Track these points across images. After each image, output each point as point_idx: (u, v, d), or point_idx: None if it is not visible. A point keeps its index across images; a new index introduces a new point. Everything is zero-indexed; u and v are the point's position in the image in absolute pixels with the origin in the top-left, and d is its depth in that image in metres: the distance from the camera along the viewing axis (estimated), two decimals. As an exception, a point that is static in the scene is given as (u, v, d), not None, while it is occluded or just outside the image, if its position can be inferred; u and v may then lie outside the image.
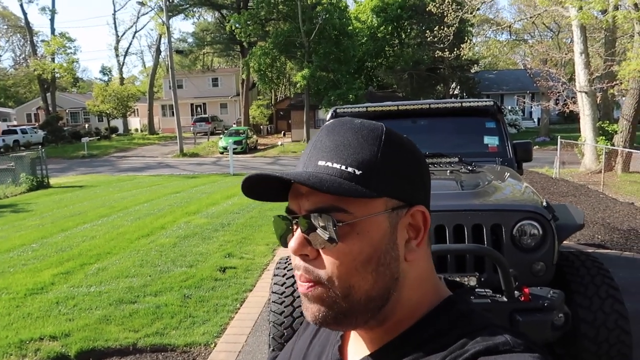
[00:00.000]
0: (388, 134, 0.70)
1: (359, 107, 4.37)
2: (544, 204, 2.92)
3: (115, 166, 24.28)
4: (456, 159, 3.90)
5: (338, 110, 4.37)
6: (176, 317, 4.72)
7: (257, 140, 32.49)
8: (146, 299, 5.19)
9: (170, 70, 28.66)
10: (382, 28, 34.01)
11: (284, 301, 3.05)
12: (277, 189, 0.71)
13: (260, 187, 0.70)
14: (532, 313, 2.50)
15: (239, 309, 5.00)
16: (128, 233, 8.28)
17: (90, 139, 34.80)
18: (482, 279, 2.62)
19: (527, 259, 2.78)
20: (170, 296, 5.24)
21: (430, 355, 0.64)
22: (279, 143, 30.29)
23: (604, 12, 12.84)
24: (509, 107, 33.37)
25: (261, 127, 40.59)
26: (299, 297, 3.05)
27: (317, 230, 0.65)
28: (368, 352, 0.71)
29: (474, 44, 28.80)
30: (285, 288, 3.12)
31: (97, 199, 13.32)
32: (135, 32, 45.70)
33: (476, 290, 2.65)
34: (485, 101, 4.22)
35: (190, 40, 43.42)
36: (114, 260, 6.64)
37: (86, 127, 42.90)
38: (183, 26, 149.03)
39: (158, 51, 44.23)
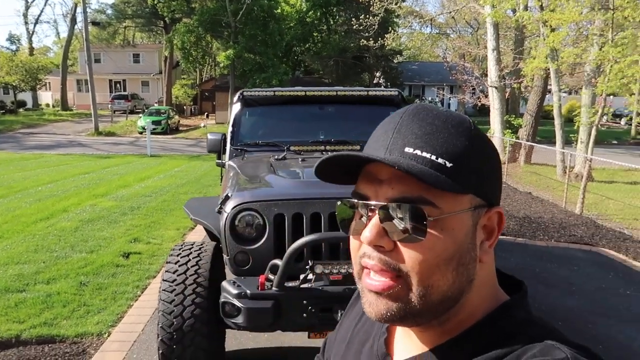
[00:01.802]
0: (475, 127, 0.65)
1: (266, 91, 4.30)
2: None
3: (21, 143, 22.40)
4: (358, 147, 3.96)
5: (245, 94, 4.28)
6: (69, 306, 4.45)
7: (179, 121, 31.36)
8: (37, 287, 4.85)
9: (85, 42, 26.77)
10: (310, 13, 33.87)
11: (174, 289, 2.94)
12: (343, 171, 0.67)
13: (331, 167, 0.66)
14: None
15: (139, 296, 4.81)
16: (25, 216, 7.68)
17: (-7, 112, 31.85)
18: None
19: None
20: (65, 284, 4.93)
21: None
22: (202, 125, 29.38)
23: (514, 11, 13.62)
24: (429, 99, 34.73)
25: (185, 107, 39.15)
26: (190, 285, 2.97)
27: (400, 221, 0.61)
28: (418, 351, 0.68)
29: (399, 35, 29.51)
30: (177, 276, 3.01)
31: (-6, 178, 12.23)
32: (47, -2, 41.97)
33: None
34: (390, 91, 4.31)
35: (109, 12, 40.76)
36: (4, 245, 6.14)
37: (-12, 99, 39.17)
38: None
39: (73, 21, 41.08)
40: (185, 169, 13.88)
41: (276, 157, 3.71)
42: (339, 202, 0.69)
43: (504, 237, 7.07)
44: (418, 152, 0.61)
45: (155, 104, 35.37)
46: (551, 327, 0.64)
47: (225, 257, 2.94)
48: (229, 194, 3.00)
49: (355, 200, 0.66)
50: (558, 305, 4.71)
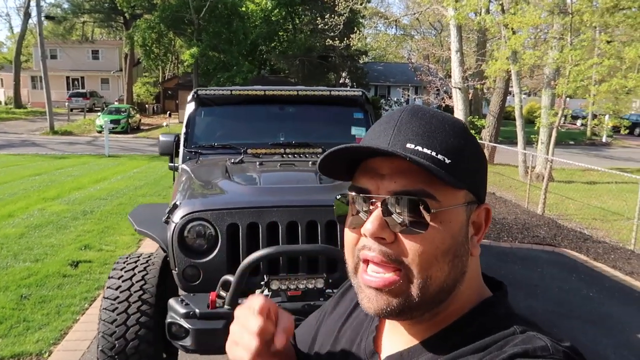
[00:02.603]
0: (467, 129, 0.70)
1: (223, 90, 4.05)
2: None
3: (-32, 143, 21.21)
4: (319, 150, 3.76)
5: (200, 92, 4.01)
6: (6, 323, 4.08)
7: (140, 120, 30.40)
8: (-30, 302, 4.44)
9: (39, 37, 25.58)
10: (275, 12, 33.44)
11: (117, 307, 2.67)
12: (344, 166, 0.70)
13: (333, 161, 0.69)
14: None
15: (87, 309, 4.47)
16: (-36, 222, 7.14)
17: (-62, 110, 30.07)
18: (330, 280, 2.48)
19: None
20: (3, 297, 4.54)
21: (469, 356, 0.63)
22: (165, 124, 28.63)
23: (477, 14, 13.75)
24: (395, 99, 34.94)
25: (147, 106, 38.08)
26: (135, 302, 2.71)
27: (402, 214, 0.63)
28: (405, 346, 0.70)
29: (364, 35, 29.54)
30: (120, 292, 2.74)
31: None
32: (-1, -10, 39.86)
33: (325, 291, 2.51)
34: (354, 91, 4.13)
35: (65, 6, 39.20)
36: (-62, 255, 5.65)
37: None
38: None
39: (27, 15, 39.20)
40: (145, 170, 13.37)
41: (232, 160, 3.47)
42: (338, 196, 0.71)
43: (469, 239, 7.03)
44: (419, 148, 0.64)
45: (116, 102, 34.20)
46: (531, 321, 0.67)
47: (173, 271, 2.69)
48: (178, 202, 2.75)
49: (354, 194, 0.68)
50: (523, 307, 4.64)
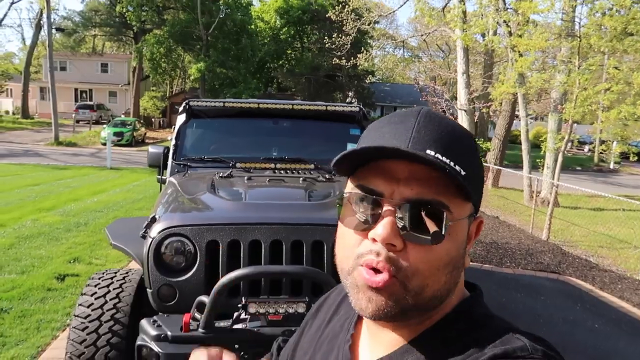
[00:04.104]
0: (474, 142, 0.71)
1: (215, 102, 3.92)
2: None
3: (-29, 151, 21.25)
4: (312, 166, 3.61)
5: (191, 103, 3.89)
6: (-19, 338, 3.89)
7: (145, 133, 30.46)
8: (-54, 314, 4.26)
9: (48, 48, 25.86)
10: (284, 30, 33.84)
11: (87, 327, 2.50)
12: (353, 164, 0.67)
13: (350, 159, 0.66)
14: None
15: (68, 324, 4.27)
16: (-46, 230, 7.01)
17: (-54, 118, 30.28)
18: (312, 304, 2.30)
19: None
20: (-18, 310, 4.36)
21: (449, 358, 0.63)
22: (169, 137, 28.68)
23: (484, 36, 13.72)
24: (401, 120, 34.93)
25: (153, 119, 38.25)
26: (107, 321, 2.53)
27: (417, 223, 0.62)
28: (384, 352, 0.69)
29: (371, 55, 29.68)
30: (92, 310, 2.57)
31: None
32: (12, 2, 40.60)
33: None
34: (351, 106, 3.99)
35: (76, 19, 39.72)
36: None
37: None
38: (70, 3, 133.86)
39: (38, 27, 39.80)
40: (144, 183, 13.25)
41: (221, 174, 3.31)
42: (346, 194, 0.68)
43: (471, 263, 6.81)
44: (439, 155, 0.62)
45: (122, 115, 34.38)
46: (508, 321, 0.68)
47: (148, 290, 2.51)
48: (157, 216, 2.59)
49: (362, 194, 0.65)
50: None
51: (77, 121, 32.83)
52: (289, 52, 35.10)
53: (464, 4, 13.26)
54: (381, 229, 0.62)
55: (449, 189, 0.62)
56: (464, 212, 0.65)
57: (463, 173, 0.62)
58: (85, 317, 2.54)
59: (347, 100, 34.87)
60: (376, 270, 0.63)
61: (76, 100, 40.50)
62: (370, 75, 34.49)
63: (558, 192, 10.71)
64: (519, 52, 10.74)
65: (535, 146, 16.11)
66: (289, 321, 2.28)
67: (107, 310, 2.56)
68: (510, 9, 11.70)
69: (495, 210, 11.45)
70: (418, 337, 0.68)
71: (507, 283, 6.15)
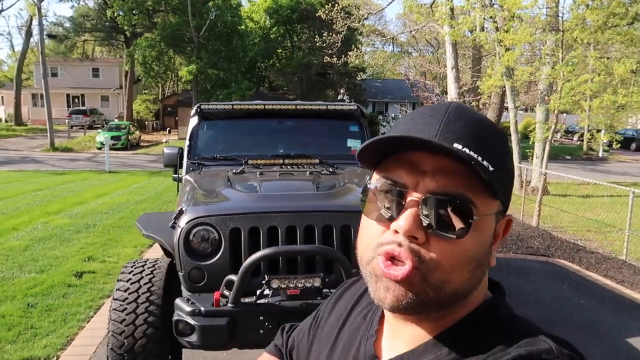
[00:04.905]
0: (506, 138, 0.71)
1: (225, 104, 4.24)
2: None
3: (-31, 159, 21.38)
4: (317, 161, 3.95)
5: (203, 107, 4.21)
6: (14, 330, 4.20)
7: (140, 137, 30.66)
8: (-22, 310, 4.57)
9: (41, 55, 25.96)
10: (274, 29, 34.06)
11: (126, 308, 2.82)
12: (377, 156, 0.67)
13: (373, 149, 0.65)
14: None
15: (92, 317, 4.60)
16: (-30, 235, 7.28)
17: (-60, 127, 30.30)
18: (327, 280, 2.64)
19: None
20: (11, 306, 4.67)
21: (472, 357, 0.63)
22: (164, 140, 28.89)
23: (472, 31, 14.08)
24: (392, 115, 35.27)
25: (146, 122, 38.38)
26: (143, 303, 2.86)
27: (441, 217, 0.61)
28: (406, 349, 0.68)
29: (362, 52, 30.01)
30: (129, 294, 2.89)
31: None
32: (1, 10, 40.60)
33: (323, 291, 2.66)
34: (350, 105, 4.33)
35: (67, 25, 39.78)
36: (-55, 267, 5.78)
37: None
38: (60, 9, 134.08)
39: (29, 34, 39.82)
40: (145, 185, 13.54)
41: (234, 171, 3.65)
42: (370, 185, 0.67)
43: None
44: (466, 149, 0.61)
45: (116, 119, 34.51)
46: (533, 322, 0.67)
47: (179, 273, 2.84)
48: (184, 208, 2.92)
49: (387, 185, 0.65)
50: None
51: (71, 126, 32.96)
52: (279, 51, 35.32)
53: (452, 1, 13.62)
54: (404, 221, 0.61)
55: (475, 184, 0.61)
56: (491, 209, 0.64)
57: (491, 169, 0.61)
58: (124, 300, 2.86)
59: (339, 97, 35.20)
60: (396, 260, 0.62)
61: (68, 106, 40.54)
62: (361, 72, 34.79)
63: (548, 180, 11.11)
64: (506, 46, 11.11)
65: (525, 137, 16.52)
66: (306, 294, 2.62)
67: (142, 294, 2.88)
68: (496, 5, 12.06)
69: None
70: (440, 335, 0.67)
71: (500, 267, 6.51)
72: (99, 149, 25.16)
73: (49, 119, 25.11)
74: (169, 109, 39.03)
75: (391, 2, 18.64)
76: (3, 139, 30.15)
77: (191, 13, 27.58)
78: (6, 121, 42.47)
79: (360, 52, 26.50)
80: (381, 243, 0.64)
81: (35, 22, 32.68)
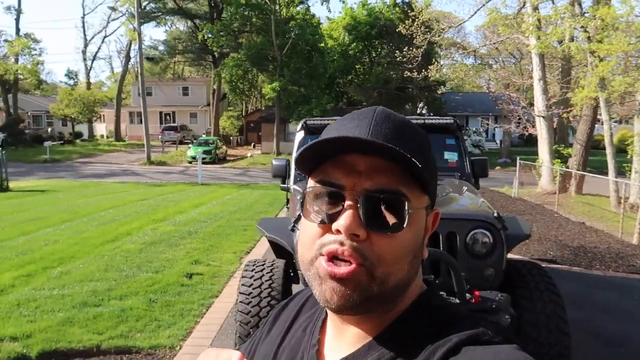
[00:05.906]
0: (428, 138, 0.74)
1: (328, 119, 4.58)
2: (495, 215, 3.18)
3: (78, 172, 23.74)
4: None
5: (308, 122, 4.57)
6: (141, 321, 4.75)
7: (226, 151, 32.39)
8: (111, 302, 5.20)
9: (140, 77, 28.40)
10: (353, 45, 34.70)
11: (250, 301, 3.19)
12: (314, 161, 0.69)
13: (311, 153, 0.67)
14: (481, 314, 2.72)
15: (204, 313, 5.08)
16: (92, 238, 8.20)
17: (53, 143, 33.87)
18: (437, 282, 2.84)
19: (479, 265, 3.02)
20: (136, 300, 5.26)
21: (415, 348, 0.65)
22: (249, 154, 30.31)
23: (560, 42, 13.62)
24: (473, 129, 34.44)
25: (231, 138, 40.47)
26: (265, 297, 3.21)
27: (379, 213, 0.64)
28: (348, 351, 0.70)
29: (441, 66, 29.73)
30: (253, 289, 3.26)
31: (59, 204, 13.05)
32: (105, 36, 44.96)
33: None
34: (446, 119, 4.50)
35: (161, 48, 43.11)
36: (77, 265, 6.59)
37: (49, 131, 41.69)
38: (155, 33, 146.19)
39: (127, 57, 43.70)
40: (235, 196, 14.36)
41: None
42: (307, 189, 0.69)
43: (559, 266, 7.00)
44: (397, 148, 0.64)
45: (204, 135, 36.71)
46: (465, 309, 0.72)
47: (299, 271, 3.17)
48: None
49: (324, 188, 0.66)
50: (618, 331, 4.65)
51: (164, 142, 35.50)
52: (358, 67, 35.87)
53: (539, 12, 13.28)
54: (344, 220, 0.63)
55: (407, 179, 0.65)
56: (422, 203, 0.68)
57: (419, 165, 0.64)
58: (249, 294, 3.23)
59: (418, 111, 34.96)
60: (338, 260, 0.64)
61: (161, 123, 43.69)
62: (441, 86, 34.38)
63: (648, 196, 10.41)
64: (599, 57, 10.67)
65: (621, 151, 15.53)
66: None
67: (265, 289, 3.24)
68: (587, 14, 11.63)
69: (580, 216, 11.32)
70: (382, 333, 0.68)
71: (598, 283, 6.29)
72: (190, 162, 26.93)
73: (146, 135, 27.28)
74: (252, 124, 40.85)
75: (473, 15, 18.33)
76: (106, 153, 33.11)
77: (274, 33, 28.87)
78: (107, 137, 46.57)
79: (440, 65, 26.28)
80: (323, 243, 0.65)
81: (134, 46, 35.79)
